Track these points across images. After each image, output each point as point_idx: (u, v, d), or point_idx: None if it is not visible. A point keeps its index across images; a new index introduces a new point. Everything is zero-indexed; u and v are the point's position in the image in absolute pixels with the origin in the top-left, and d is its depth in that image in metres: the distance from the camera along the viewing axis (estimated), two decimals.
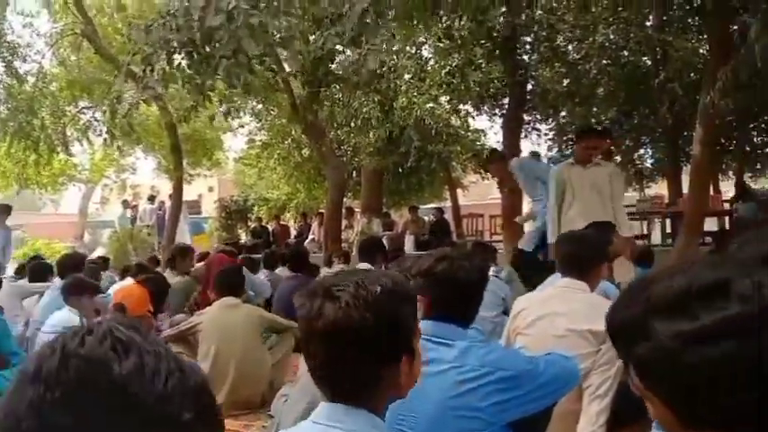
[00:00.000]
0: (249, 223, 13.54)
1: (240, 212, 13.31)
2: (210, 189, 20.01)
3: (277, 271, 6.95)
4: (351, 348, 1.19)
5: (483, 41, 9.08)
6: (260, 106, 14.31)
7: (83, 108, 11.78)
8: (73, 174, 15.32)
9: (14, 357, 3.84)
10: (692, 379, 0.79)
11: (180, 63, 7.09)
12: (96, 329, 0.69)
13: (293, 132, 13.86)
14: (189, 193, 16.82)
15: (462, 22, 8.45)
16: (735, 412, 0.78)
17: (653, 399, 0.85)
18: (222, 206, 13.43)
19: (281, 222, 14.24)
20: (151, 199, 14.98)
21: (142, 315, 3.76)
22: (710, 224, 9.23)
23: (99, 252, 14.13)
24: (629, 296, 0.89)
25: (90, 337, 0.68)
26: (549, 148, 13.82)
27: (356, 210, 12.73)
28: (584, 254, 2.88)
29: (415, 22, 7.36)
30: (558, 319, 2.65)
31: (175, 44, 6.57)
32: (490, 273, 4.63)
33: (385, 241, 11.20)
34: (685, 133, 10.53)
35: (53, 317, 4.13)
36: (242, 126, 17.18)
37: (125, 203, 14.61)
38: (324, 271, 6.52)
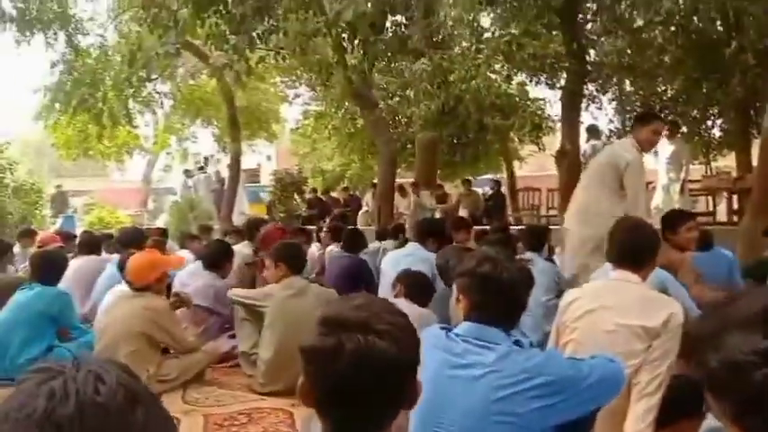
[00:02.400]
0: (305, 195, 13.66)
1: (295, 184, 13.44)
2: (269, 158, 20.30)
3: (330, 248, 6.99)
4: (370, 382, 1.13)
5: (542, 10, 8.74)
6: (314, 77, 14.40)
7: (144, 81, 12.05)
8: (136, 144, 15.79)
9: (76, 331, 4.02)
10: (760, 395, 0.81)
11: (213, 22, 7.17)
12: (92, 370, 0.69)
13: (347, 103, 13.85)
14: (247, 162, 17.14)
15: None
16: None
17: (722, 412, 0.87)
18: (277, 178, 13.59)
19: (334, 195, 14.33)
20: (201, 168, 15.10)
21: (148, 284, 3.69)
22: None
23: (161, 219, 14.62)
24: (712, 309, 0.95)
25: (102, 385, 0.68)
26: (610, 121, 13.35)
27: (407, 187, 12.64)
28: (640, 244, 2.75)
29: None
30: (608, 314, 2.56)
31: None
32: (536, 255, 4.55)
33: (438, 214, 11.20)
34: (757, 104, 9.96)
35: (111, 293, 4.27)
36: (297, 96, 17.41)
37: (186, 172, 14.93)
38: (374, 245, 6.52)
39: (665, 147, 8.77)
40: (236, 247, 5.34)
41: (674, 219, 3.96)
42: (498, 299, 1.90)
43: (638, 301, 2.57)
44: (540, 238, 4.83)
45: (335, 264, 5.40)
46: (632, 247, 2.73)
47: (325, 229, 8.08)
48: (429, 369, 1.88)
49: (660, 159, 8.76)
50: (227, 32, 7.48)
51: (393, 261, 4.55)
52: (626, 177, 4.23)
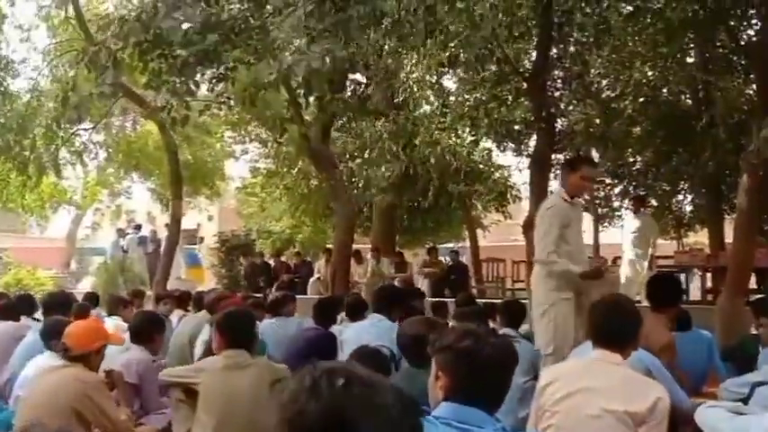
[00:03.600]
0: (251, 259, 13.52)
1: (242, 247, 13.32)
2: (210, 218, 20.10)
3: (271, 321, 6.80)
4: None
5: (510, 76, 9.13)
6: (264, 132, 14.53)
7: (78, 129, 11.92)
8: (63, 198, 15.46)
9: None
10: None
11: (156, 66, 7.25)
12: None
13: (300, 162, 13.97)
14: (187, 222, 16.91)
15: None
16: None
17: None
18: (222, 240, 13.46)
19: (282, 259, 14.22)
20: (137, 227, 14.83)
21: (87, 353, 3.57)
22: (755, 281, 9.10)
23: (86, 282, 14.18)
24: None
25: None
26: None
27: (364, 253, 12.67)
28: (621, 324, 2.81)
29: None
30: (592, 397, 2.58)
31: (149, 37, 6.70)
32: (515, 332, 4.58)
33: (397, 283, 11.22)
34: (728, 179, 10.46)
35: (32, 363, 4.08)
36: (245, 152, 17.47)
37: (119, 231, 14.65)
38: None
39: (631, 221, 9.05)
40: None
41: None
42: (482, 377, 1.90)
43: (622, 384, 2.61)
44: (517, 314, 4.87)
45: (302, 336, 5.22)
46: (614, 326, 2.79)
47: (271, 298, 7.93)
48: None
49: (625, 233, 9.01)
50: (169, 76, 7.52)
51: (356, 334, 4.50)
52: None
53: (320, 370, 1.18)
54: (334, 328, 5.23)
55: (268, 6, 6.76)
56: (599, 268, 4.45)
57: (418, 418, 1.26)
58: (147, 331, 4.44)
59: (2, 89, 11.49)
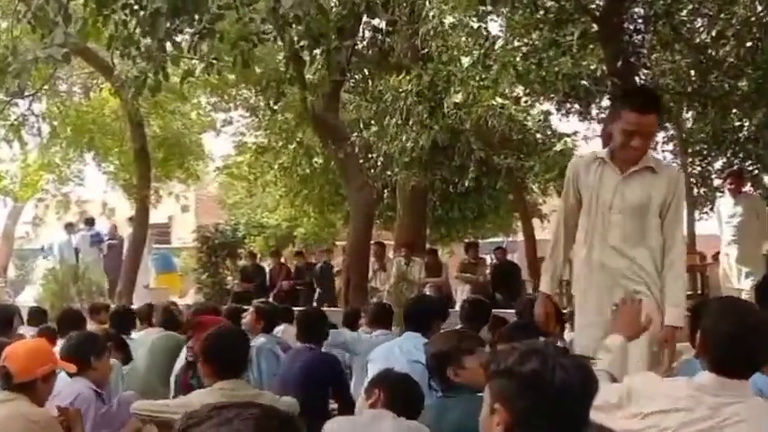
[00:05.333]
0: (239, 261, 13.62)
1: (228, 246, 13.39)
2: (185, 209, 20.18)
3: (279, 331, 6.95)
4: None
5: (575, 15, 9.09)
6: (255, 96, 14.57)
7: (15, 96, 12.06)
8: None
9: None
10: None
11: (120, 20, 7.33)
12: None
13: (301, 134, 14.02)
14: (156, 215, 17.07)
15: None
16: None
17: None
18: (203, 237, 13.54)
19: (281, 261, 14.28)
20: (89, 222, 14.85)
21: (32, 381, 3.61)
22: None
23: (28, 293, 14.36)
24: None
25: None
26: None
27: (388, 245, 12.74)
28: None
29: None
30: None
31: None
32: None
33: (428, 290, 11.22)
34: None
35: None
36: (229, 123, 17.53)
37: (69, 227, 14.79)
38: (344, 335, 6.50)
39: (727, 205, 8.89)
40: None
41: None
42: (554, 409, 1.93)
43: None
44: None
45: (293, 359, 5.38)
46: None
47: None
48: None
49: (721, 222, 8.83)
50: (138, 34, 7.60)
51: (384, 356, 4.60)
52: None
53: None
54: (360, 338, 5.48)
55: None
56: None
57: None
58: (84, 355, 4.38)
59: None
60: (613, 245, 3.81)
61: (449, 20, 10.49)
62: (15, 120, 12.22)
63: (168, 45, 7.55)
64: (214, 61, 9.04)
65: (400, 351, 4.62)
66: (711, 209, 14.36)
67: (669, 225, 3.88)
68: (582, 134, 13.83)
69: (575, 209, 4.01)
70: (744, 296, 7.75)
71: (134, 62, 7.86)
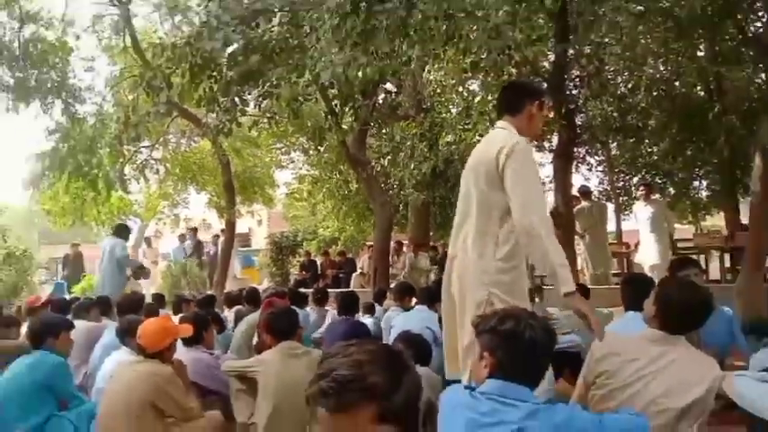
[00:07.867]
0: (299, 258, 13.61)
1: (290, 247, 13.41)
2: (260, 222, 20.28)
3: (326, 307, 6.95)
4: None
5: (530, 77, 9.00)
6: (306, 141, 14.64)
7: (140, 147, 12.16)
8: (129, 210, 15.79)
9: (75, 400, 3.91)
10: None
11: (207, 86, 7.37)
12: None
13: (341, 167, 14.03)
14: (239, 227, 17.10)
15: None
16: None
17: None
18: (273, 241, 13.55)
19: (330, 258, 14.29)
20: (194, 234, 14.65)
21: (160, 351, 3.58)
22: None
23: (153, 285, 14.43)
24: None
25: None
26: (600, 182, 13.60)
27: (405, 242, 12.68)
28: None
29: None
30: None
31: (198, 60, 6.80)
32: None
33: (433, 276, 11.17)
34: (742, 164, 10.19)
35: (111, 359, 4.17)
36: (291, 162, 17.61)
37: (182, 237, 14.87)
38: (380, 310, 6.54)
39: (642, 208, 8.81)
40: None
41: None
42: (523, 357, 1.90)
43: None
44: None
45: (334, 328, 5.33)
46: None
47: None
48: (455, 430, 1.85)
49: (640, 221, 8.77)
50: (219, 96, 7.63)
51: (403, 321, 4.76)
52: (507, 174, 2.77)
53: None
54: (387, 314, 5.65)
55: (305, 27, 6.79)
56: None
57: None
58: (196, 332, 4.33)
59: (71, 114, 11.78)
60: None
61: (438, 80, 10.44)
62: (140, 163, 12.31)
63: (237, 100, 7.62)
64: (273, 115, 9.11)
65: (415, 320, 4.71)
66: (631, 212, 14.26)
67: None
68: (538, 161, 13.71)
69: None
70: (656, 271, 7.72)
71: (217, 115, 7.89)
